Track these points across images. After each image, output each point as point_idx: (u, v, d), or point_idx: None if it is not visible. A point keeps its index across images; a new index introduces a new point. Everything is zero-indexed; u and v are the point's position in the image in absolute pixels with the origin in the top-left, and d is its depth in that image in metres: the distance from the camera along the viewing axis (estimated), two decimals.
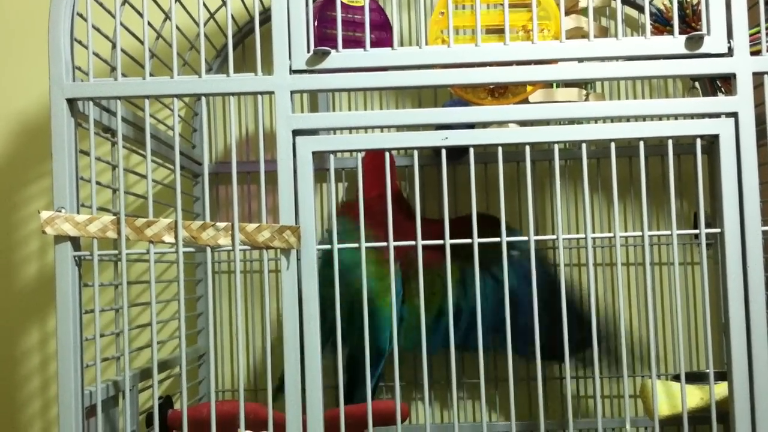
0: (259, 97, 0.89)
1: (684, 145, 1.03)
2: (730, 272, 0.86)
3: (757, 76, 0.87)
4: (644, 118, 0.91)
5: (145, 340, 1.22)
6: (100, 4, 0.93)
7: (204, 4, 0.92)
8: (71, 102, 0.88)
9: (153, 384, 0.88)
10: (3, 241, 1.35)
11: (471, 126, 0.90)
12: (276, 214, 0.87)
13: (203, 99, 0.89)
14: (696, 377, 1.05)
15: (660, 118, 0.89)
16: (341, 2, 1.01)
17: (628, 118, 0.94)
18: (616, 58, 0.90)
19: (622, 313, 0.89)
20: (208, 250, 0.88)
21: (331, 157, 0.89)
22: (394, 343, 0.90)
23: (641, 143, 0.87)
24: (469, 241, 0.87)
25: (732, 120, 0.86)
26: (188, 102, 1.31)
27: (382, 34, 1.11)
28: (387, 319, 1.08)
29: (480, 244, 0.87)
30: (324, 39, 1.04)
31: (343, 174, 1.32)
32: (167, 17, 1.08)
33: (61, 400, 0.86)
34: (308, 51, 0.88)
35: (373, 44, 0.89)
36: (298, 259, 0.87)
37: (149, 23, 0.91)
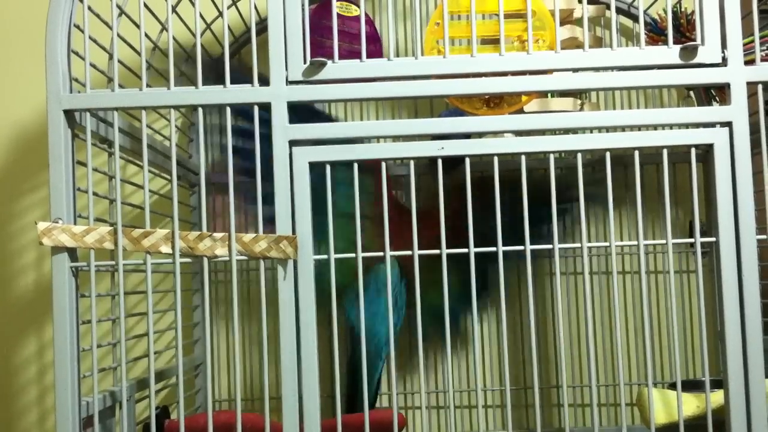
0: (256, 107, 0.89)
1: (679, 154, 1.03)
2: (726, 280, 0.86)
3: (752, 86, 0.87)
4: (639, 127, 0.91)
5: (141, 350, 1.22)
6: (97, 16, 0.94)
7: (200, 15, 0.92)
8: (68, 113, 0.88)
9: (150, 394, 0.88)
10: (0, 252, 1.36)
11: (467, 136, 0.90)
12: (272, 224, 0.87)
13: (200, 109, 0.90)
14: (692, 385, 1.05)
15: (655, 127, 0.89)
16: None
17: (623, 128, 0.94)
18: (611, 68, 0.90)
19: (618, 322, 0.89)
20: (205, 260, 0.88)
21: (328, 167, 0.89)
22: (391, 348, 0.90)
23: (636, 152, 0.88)
24: (465, 250, 0.88)
25: (726, 129, 0.86)
26: (185, 112, 1.31)
27: (370, 47, 1.11)
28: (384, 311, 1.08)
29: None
30: (317, 47, 1.04)
31: None
32: (164, 28, 1.08)
33: (58, 410, 0.86)
34: (305, 62, 0.88)
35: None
36: (295, 269, 0.87)
37: (146, 34, 0.91)
